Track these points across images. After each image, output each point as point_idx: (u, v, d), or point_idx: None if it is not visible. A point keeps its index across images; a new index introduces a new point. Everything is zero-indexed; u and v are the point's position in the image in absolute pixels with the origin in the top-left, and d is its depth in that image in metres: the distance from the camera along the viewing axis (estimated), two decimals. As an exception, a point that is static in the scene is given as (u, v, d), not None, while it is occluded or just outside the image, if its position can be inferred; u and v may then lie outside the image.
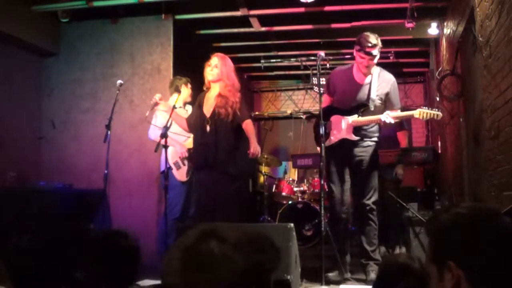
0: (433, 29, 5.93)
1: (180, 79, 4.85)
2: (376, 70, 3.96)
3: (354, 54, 3.89)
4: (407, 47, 7.32)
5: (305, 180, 6.60)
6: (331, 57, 5.93)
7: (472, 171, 4.84)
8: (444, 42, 6.06)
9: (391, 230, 5.27)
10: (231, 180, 4.03)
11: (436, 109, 3.76)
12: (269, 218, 6.54)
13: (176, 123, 4.30)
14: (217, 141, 4.02)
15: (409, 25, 5.42)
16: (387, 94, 3.93)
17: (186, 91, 4.80)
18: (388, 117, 3.75)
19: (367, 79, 3.95)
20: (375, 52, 3.79)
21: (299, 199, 6.35)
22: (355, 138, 3.90)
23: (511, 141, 3.17)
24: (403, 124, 5.51)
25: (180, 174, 4.56)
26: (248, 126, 4.11)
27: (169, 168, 4.46)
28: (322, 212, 3.73)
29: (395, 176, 5.27)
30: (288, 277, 2.96)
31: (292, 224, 3.21)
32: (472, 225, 1.09)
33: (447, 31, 5.81)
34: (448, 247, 1.10)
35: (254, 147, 4.02)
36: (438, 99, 6.16)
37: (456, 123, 5.61)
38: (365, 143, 3.95)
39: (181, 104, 4.75)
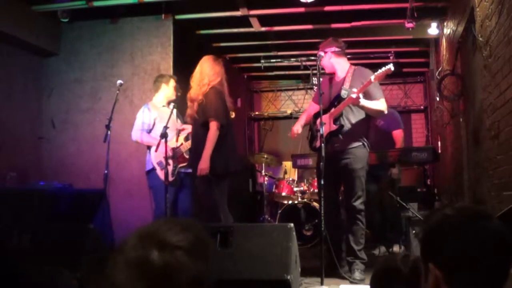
0: (433, 29, 5.93)
1: (163, 76, 4.78)
2: (352, 67, 4.12)
3: None
4: (407, 47, 7.32)
5: (305, 180, 6.60)
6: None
7: (472, 171, 4.84)
8: (444, 42, 6.06)
9: (391, 230, 5.27)
10: (210, 182, 3.92)
11: (386, 66, 3.74)
12: (269, 218, 6.54)
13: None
14: (192, 144, 4.05)
15: (409, 25, 5.43)
16: (361, 85, 3.94)
17: (167, 89, 4.69)
18: (355, 93, 3.74)
19: (342, 75, 4.08)
20: (319, 51, 4.11)
21: (299, 199, 6.35)
22: (335, 126, 3.92)
23: (511, 141, 3.17)
24: (399, 123, 5.52)
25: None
26: (210, 129, 3.90)
27: (153, 168, 4.45)
28: (322, 212, 3.73)
29: (389, 176, 5.28)
30: (288, 277, 2.96)
31: (292, 224, 3.20)
32: (455, 227, 1.09)
33: (447, 31, 5.81)
34: (431, 248, 1.12)
35: (200, 163, 3.83)
36: (438, 99, 6.16)
37: (456, 123, 5.61)
38: (350, 144, 3.97)
39: (165, 103, 4.68)
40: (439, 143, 7.03)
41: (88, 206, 4.10)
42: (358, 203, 3.95)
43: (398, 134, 5.44)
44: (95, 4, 5.37)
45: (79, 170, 5.48)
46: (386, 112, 4.02)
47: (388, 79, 8.90)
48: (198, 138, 4.03)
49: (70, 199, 4.12)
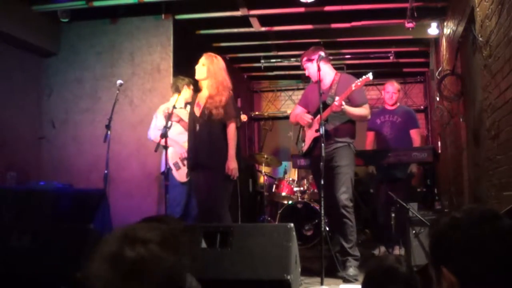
0: (433, 29, 5.93)
1: (183, 79, 4.83)
2: (337, 74, 4.22)
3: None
4: (407, 47, 7.32)
5: (305, 180, 6.59)
6: (331, 57, 5.93)
7: (472, 171, 4.84)
8: (444, 42, 6.06)
9: (392, 230, 5.27)
10: (223, 180, 3.98)
11: (365, 75, 3.87)
12: (269, 218, 6.54)
13: (181, 125, 4.33)
14: (206, 141, 4.03)
15: (409, 25, 5.43)
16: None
17: (187, 91, 4.77)
18: (337, 101, 3.87)
19: (327, 83, 4.18)
20: (304, 60, 4.21)
21: (299, 199, 6.35)
22: (321, 131, 3.93)
23: (511, 141, 3.17)
24: (416, 122, 5.52)
25: (180, 175, 4.55)
26: (230, 130, 4.01)
27: (169, 169, 4.47)
28: (322, 212, 3.74)
29: (410, 173, 5.29)
30: (288, 277, 2.96)
31: (292, 224, 3.20)
32: (465, 230, 1.07)
33: (447, 31, 5.81)
34: (442, 253, 1.10)
35: (229, 164, 3.91)
36: (438, 99, 6.16)
37: (456, 123, 5.60)
38: (334, 145, 4.06)
39: (182, 104, 4.75)
40: (439, 143, 7.03)
41: (88, 206, 4.10)
42: (344, 198, 3.97)
43: (416, 133, 5.42)
44: (95, 4, 5.37)
45: (79, 170, 5.48)
46: (369, 117, 4.25)
47: (388, 79, 8.89)
48: (214, 136, 4.03)
49: (70, 199, 4.12)
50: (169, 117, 4.10)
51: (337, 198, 3.98)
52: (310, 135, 4.18)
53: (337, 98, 3.90)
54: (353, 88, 3.87)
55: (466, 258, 1.05)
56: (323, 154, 3.74)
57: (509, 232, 1.06)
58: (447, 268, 1.06)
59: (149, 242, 1.00)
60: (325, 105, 4.00)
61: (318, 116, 4.00)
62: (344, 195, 3.98)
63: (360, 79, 3.86)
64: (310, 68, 4.20)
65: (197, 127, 4.09)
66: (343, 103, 3.87)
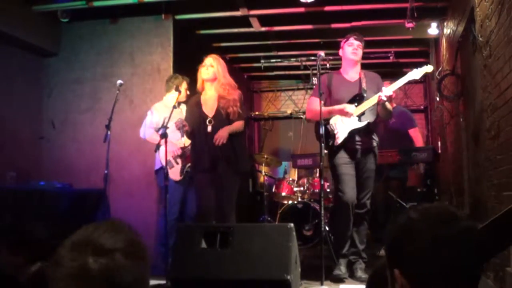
0: (433, 29, 5.93)
1: (176, 77, 4.84)
2: (361, 71, 4.19)
3: (341, 52, 4.15)
4: (407, 47, 7.32)
5: (305, 180, 6.59)
6: (331, 57, 5.94)
7: (472, 171, 4.83)
8: (444, 42, 6.06)
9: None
10: (233, 179, 4.06)
11: (426, 65, 3.99)
12: (269, 218, 6.54)
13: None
14: (226, 141, 4.07)
15: (409, 25, 5.43)
16: (377, 87, 4.05)
17: (183, 91, 4.78)
18: (386, 89, 3.84)
19: (356, 76, 4.13)
20: (361, 40, 4.12)
21: (299, 199, 6.35)
22: (362, 123, 3.93)
23: (511, 141, 3.17)
24: (414, 121, 5.52)
25: (174, 173, 4.54)
26: (240, 123, 4.18)
27: (162, 168, 4.47)
28: (322, 212, 3.74)
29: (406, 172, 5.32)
30: (288, 277, 2.96)
31: (292, 224, 3.21)
32: (418, 233, 1.04)
33: (447, 31, 5.81)
34: (395, 255, 1.08)
35: (219, 134, 4.04)
36: (438, 99, 6.16)
37: (456, 123, 5.60)
38: (371, 143, 4.04)
39: (175, 103, 4.74)
40: (439, 143, 7.02)
41: (88, 206, 4.10)
42: (369, 203, 4.02)
43: (415, 132, 5.42)
44: (95, 4, 5.37)
45: (79, 170, 5.48)
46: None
47: (388, 79, 8.88)
48: (233, 136, 4.12)
49: (70, 199, 4.12)
50: (182, 128, 4.15)
51: (364, 202, 4.01)
52: (346, 127, 3.98)
53: (384, 88, 3.87)
54: (417, 78, 3.98)
55: (416, 263, 1.02)
56: (322, 154, 3.75)
57: (462, 235, 1.03)
58: (399, 270, 1.05)
59: (114, 251, 0.96)
60: (361, 98, 3.98)
61: (360, 106, 3.98)
62: (369, 200, 4.03)
63: (419, 70, 3.94)
64: (360, 49, 4.14)
65: (209, 128, 4.10)
66: (386, 89, 3.85)
